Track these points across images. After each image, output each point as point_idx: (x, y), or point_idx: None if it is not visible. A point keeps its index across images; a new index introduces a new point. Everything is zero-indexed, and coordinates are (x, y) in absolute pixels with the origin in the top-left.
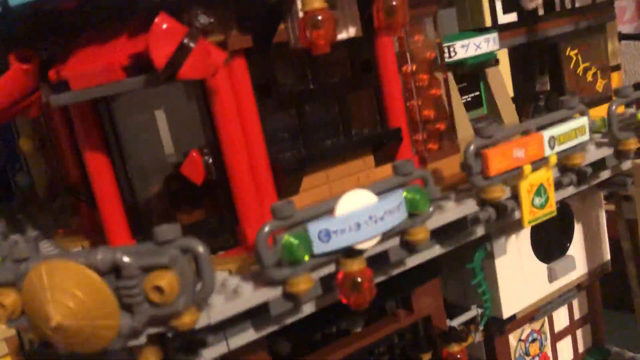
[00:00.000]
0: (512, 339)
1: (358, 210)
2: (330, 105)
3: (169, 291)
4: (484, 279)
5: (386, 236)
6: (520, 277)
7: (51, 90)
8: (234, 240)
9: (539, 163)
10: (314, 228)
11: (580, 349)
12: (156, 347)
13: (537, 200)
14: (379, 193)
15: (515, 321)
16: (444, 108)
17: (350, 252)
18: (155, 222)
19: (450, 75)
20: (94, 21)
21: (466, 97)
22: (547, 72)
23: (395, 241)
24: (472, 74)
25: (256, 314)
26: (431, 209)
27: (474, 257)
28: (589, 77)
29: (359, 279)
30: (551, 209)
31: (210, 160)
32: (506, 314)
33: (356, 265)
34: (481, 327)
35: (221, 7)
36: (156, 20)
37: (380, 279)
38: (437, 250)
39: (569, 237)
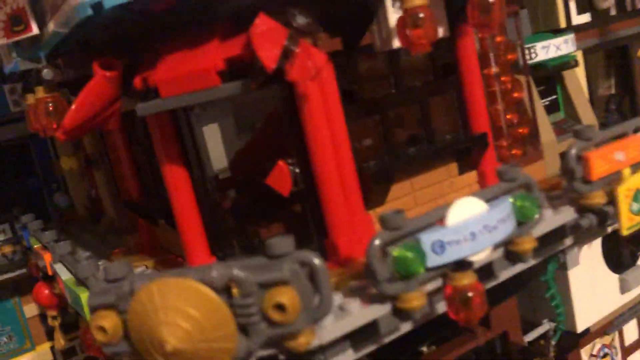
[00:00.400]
0: (584, 354)
1: (472, 219)
2: (412, 110)
3: (291, 309)
4: (557, 292)
5: (495, 247)
6: (593, 288)
7: (137, 98)
8: (321, 254)
9: (637, 167)
10: (427, 239)
11: None
12: None
13: (635, 206)
14: (487, 200)
15: (588, 335)
16: (526, 112)
17: (458, 265)
18: (232, 237)
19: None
20: (180, 25)
21: (544, 101)
22: (613, 74)
23: (498, 252)
24: (549, 77)
25: (354, 333)
26: (537, 216)
27: (547, 269)
28: None
29: (470, 294)
30: None
31: (297, 170)
32: (580, 327)
33: (466, 279)
34: (554, 342)
35: (311, 7)
36: (257, 21)
37: None
38: (528, 262)
39: (639, 246)
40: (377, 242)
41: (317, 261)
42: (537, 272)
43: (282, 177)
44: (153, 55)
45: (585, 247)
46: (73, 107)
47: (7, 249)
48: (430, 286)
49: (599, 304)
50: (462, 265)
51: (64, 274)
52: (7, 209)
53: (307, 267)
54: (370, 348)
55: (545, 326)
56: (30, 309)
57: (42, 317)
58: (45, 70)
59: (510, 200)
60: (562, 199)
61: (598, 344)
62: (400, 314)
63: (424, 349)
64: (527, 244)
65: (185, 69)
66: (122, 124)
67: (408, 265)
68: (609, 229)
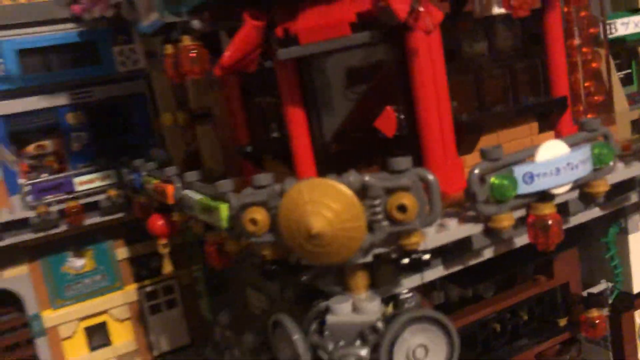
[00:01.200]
0: (637, 316)
1: (557, 157)
2: (502, 72)
3: (411, 209)
4: (616, 254)
5: (574, 186)
6: None
7: (279, 44)
8: None
9: None
10: (520, 170)
11: None
12: (367, 272)
13: None
14: (571, 145)
15: None
16: (603, 81)
17: (542, 197)
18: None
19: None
20: None
21: (619, 73)
22: None
23: (574, 194)
24: (626, 52)
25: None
26: (611, 163)
27: (609, 232)
28: None
29: (549, 222)
30: None
31: (402, 116)
32: (637, 288)
33: (547, 209)
34: (610, 301)
35: None
36: None
37: None
38: (596, 212)
39: None
40: (477, 170)
41: (431, 176)
42: (599, 233)
43: (388, 120)
44: (293, 9)
45: None
46: (228, 49)
47: (113, 193)
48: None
49: None
50: (545, 197)
51: (195, 196)
52: (112, 158)
53: (423, 181)
54: (456, 267)
55: (603, 285)
56: (121, 252)
57: (131, 260)
58: (194, 21)
59: (590, 146)
60: (632, 157)
61: None
62: (491, 233)
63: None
64: (602, 187)
65: (321, 20)
66: (237, 77)
67: (503, 190)
68: None
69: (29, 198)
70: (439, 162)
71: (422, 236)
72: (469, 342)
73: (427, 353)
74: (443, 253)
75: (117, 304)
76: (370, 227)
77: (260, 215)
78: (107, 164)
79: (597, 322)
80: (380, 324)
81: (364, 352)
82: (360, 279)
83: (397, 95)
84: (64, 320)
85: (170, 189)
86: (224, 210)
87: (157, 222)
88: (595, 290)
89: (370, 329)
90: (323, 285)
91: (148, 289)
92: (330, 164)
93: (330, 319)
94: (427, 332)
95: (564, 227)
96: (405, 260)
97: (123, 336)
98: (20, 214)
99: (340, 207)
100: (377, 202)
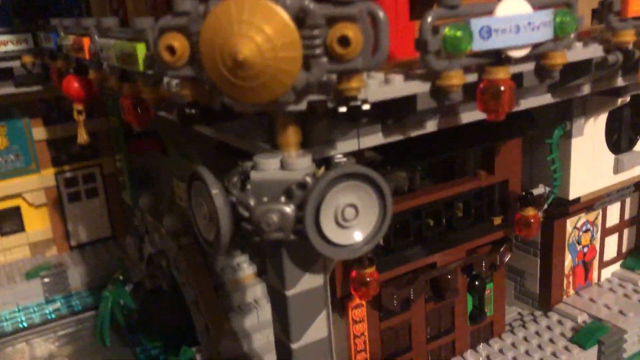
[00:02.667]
0: (569, 225)
1: (518, 15)
2: None
3: (354, 43)
4: (558, 158)
5: (531, 54)
6: (590, 161)
7: None
8: None
9: None
10: (477, 23)
11: (624, 249)
12: (298, 128)
13: None
14: (534, 5)
15: (576, 205)
16: None
17: (497, 60)
18: None
19: None
20: None
21: None
22: None
23: (530, 66)
24: None
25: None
26: (572, 35)
27: (553, 134)
28: None
29: (502, 87)
30: None
31: None
32: (573, 195)
33: (502, 74)
34: (545, 206)
35: None
36: None
37: None
38: (547, 98)
39: (638, 132)
40: (430, 17)
41: (381, 13)
42: (543, 135)
43: None
44: None
45: (592, 120)
46: None
47: (28, 59)
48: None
49: (593, 178)
50: (501, 60)
51: (112, 42)
52: (28, 20)
53: (371, 16)
54: (397, 137)
55: (541, 189)
56: (38, 132)
57: (49, 142)
58: None
59: (553, 12)
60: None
61: (583, 218)
62: (438, 95)
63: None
64: (559, 58)
65: None
66: None
67: (457, 42)
68: (619, 102)
69: None
70: (390, 23)
71: (363, 82)
72: (402, 231)
73: (358, 214)
74: (383, 115)
75: (31, 188)
76: (307, 62)
77: (178, 42)
78: (23, 26)
79: (531, 221)
80: (309, 179)
81: (288, 209)
82: (292, 135)
83: None
84: None
85: (87, 42)
86: (140, 49)
87: (73, 84)
88: (533, 192)
89: (297, 185)
90: (248, 144)
91: (67, 174)
92: None
93: (254, 174)
94: (358, 190)
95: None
96: (343, 109)
97: (38, 223)
98: None
99: (274, 32)
100: (316, 32)
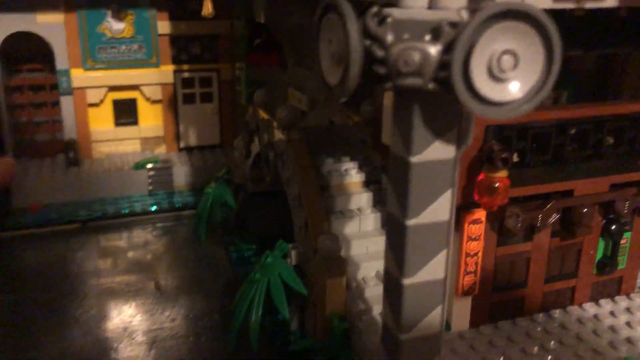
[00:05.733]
0: None
1: None
2: None
3: None
4: None
5: None
6: None
7: None
8: None
9: None
10: None
11: None
12: None
13: None
14: None
15: None
16: None
17: None
18: None
19: None
20: None
21: None
22: None
23: None
24: None
25: None
26: None
27: None
28: None
29: None
30: None
31: None
32: None
33: None
34: None
35: None
36: None
37: None
38: None
39: None
40: None
41: None
42: None
43: None
44: None
45: None
46: None
47: None
48: None
49: None
50: None
51: None
52: None
53: None
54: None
55: None
56: (163, 26)
57: (172, 38)
58: None
59: None
60: None
61: None
62: None
63: None
64: None
65: None
66: None
67: None
68: None
69: None
70: None
71: None
72: (540, 146)
73: (517, 63)
74: None
75: (150, 82)
76: None
77: None
78: None
79: None
80: (464, 14)
81: (433, 49)
82: None
83: None
84: (93, 83)
85: None
86: None
87: None
88: None
89: (449, 23)
90: None
91: (185, 74)
92: None
93: (396, 11)
94: (519, 34)
95: None
96: None
97: (152, 119)
98: None
99: None
100: None
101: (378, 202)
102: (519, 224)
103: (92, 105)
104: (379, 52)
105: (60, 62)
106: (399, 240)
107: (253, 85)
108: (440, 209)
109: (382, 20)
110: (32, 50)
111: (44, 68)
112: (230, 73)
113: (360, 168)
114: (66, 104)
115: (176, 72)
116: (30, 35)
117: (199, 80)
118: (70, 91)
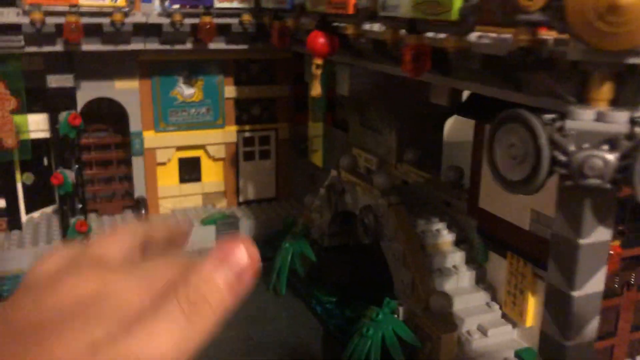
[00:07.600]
0: None
1: None
2: None
3: None
4: None
5: None
6: None
7: None
8: None
9: None
10: None
11: None
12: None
13: None
14: None
15: None
16: None
17: None
18: None
19: None
20: None
21: None
22: None
23: None
24: None
25: None
26: None
27: None
28: None
29: None
30: None
31: None
32: None
33: None
34: None
35: None
36: None
37: None
38: None
39: None
40: None
41: None
42: None
43: None
44: None
45: None
46: None
47: (247, 18)
48: None
49: None
50: None
51: None
52: None
53: None
54: None
55: None
56: (229, 90)
57: (236, 101)
58: None
59: None
60: None
61: None
62: None
63: None
64: None
65: None
66: None
67: None
68: None
69: (167, 3)
70: None
71: None
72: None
73: None
74: None
75: (215, 141)
76: None
77: None
78: None
79: None
80: (638, 129)
81: (612, 157)
82: (606, 91)
83: None
84: (163, 144)
85: None
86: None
87: (319, 39)
88: None
89: (622, 135)
90: (558, 92)
91: (247, 134)
92: None
93: (571, 123)
94: None
95: None
96: None
97: (214, 175)
98: (155, 18)
99: None
100: None
101: (470, 261)
102: (617, 282)
103: (160, 164)
104: (561, 157)
105: (134, 125)
106: (564, 309)
107: (303, 142)
108: (597, 281)
109: (560, 130)
110: (102, 112)
111: (108, 128)
112: (286, 131)
113: (450, 228)
114: (137, 164)
115: (239, 132)
116: (103, 99)
117: (258, 139)
118: (141, 152)
